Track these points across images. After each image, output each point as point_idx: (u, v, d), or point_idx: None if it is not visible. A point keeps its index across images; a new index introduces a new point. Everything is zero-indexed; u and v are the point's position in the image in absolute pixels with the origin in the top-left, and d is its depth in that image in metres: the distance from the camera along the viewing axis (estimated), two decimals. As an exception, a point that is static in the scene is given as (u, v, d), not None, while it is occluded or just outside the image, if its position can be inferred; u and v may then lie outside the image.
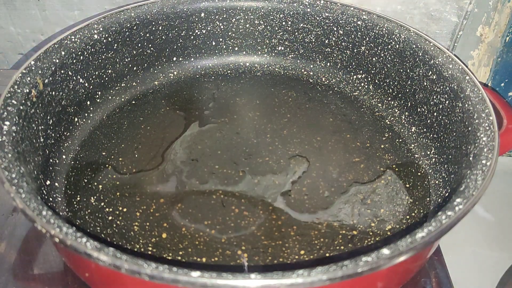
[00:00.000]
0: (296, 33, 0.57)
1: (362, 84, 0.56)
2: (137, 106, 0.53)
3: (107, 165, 0.45)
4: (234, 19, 0.57)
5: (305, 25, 0.56)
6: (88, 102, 0.50)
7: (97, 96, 0.51)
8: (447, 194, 0.41)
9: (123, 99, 0.54)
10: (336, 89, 0.57)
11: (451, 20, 0.61)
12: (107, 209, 0.41)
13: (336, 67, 0.58)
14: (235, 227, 0.40)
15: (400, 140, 0.50)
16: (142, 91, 0.55)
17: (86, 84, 0.49)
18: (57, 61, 0.43)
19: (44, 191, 0.40)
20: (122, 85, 0.54)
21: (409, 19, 0.61)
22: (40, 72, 0.41)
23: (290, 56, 0.59)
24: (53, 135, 0.44)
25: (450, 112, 0.44)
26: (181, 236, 0.39)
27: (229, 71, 0.59)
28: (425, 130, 0.49)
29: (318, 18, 0.55)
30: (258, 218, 0.40)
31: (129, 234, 0.39)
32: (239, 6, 0.56)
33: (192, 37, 0.57)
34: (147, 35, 0.53)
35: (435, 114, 0.47)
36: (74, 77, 0.46)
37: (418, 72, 0.49)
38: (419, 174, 0.46)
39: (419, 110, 0.50)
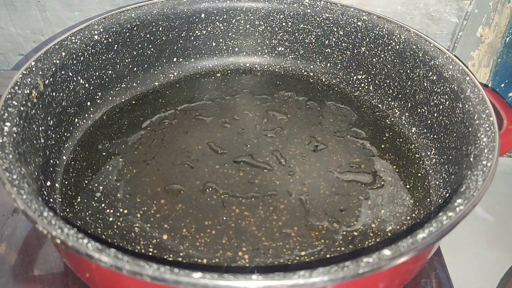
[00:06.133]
0: (296, 33, 0.57)
1: (363, 85, 0.56)
2: (137, 106, 0.53)
3: (107, 166, 0.45)
4: (234, 20, 0.57)
5: (305, 26, 0.56)
6: (89, 103, 0.50)
7: (97, 96, 0.51)
8: (447, 194, 0.41)
9: (123, 100, 0.54)
10: (336, 89, 0.57)
11: (451, 21, 0.61)
12: (107, 210, 0.41)
13: (337, 67, 0.58)
14: (235, 227, 0.40)
15: (401, 140, 0.50)
16: (142, 92, 0.55)
17: (87, 85, 0.49)
18: (58, 62, 0.43)
19: (45, 192, 0.40)
20: (122, 85, 0.54)
21: (409, 19, 0.61)
22: (40, 73, 0.41)
23: (290, 56, 0.59)
24: (53, 136, 0.44)
25: (451, 113, 0.44)
26: (182, 237, 0.39)
27: (229, 72, 0.59)
28: (425, 130, 0.49)
29: (318, 19, 0.55)
30: (259, 219, 0.41)
31: (130, 235, 0.39)
32: (239, 7, 0.56)
33: (192, 38, 0.57)
34: (148, 36, 0.53)
35: (435, 114, 0.47)
36: (75, 78, 0.46)
37: (418, 73, 0.49)
38: (419, 174, 0.46)
39: (419, 110, 0.50)
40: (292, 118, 0.52)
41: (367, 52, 0.54)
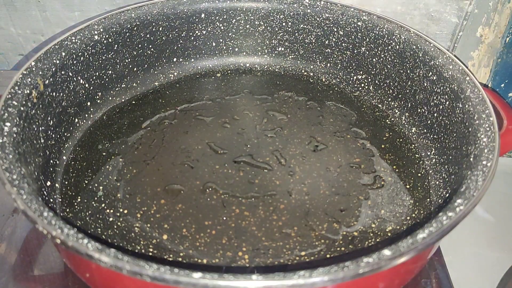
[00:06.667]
0: (296, 34, 0.57)
1: (363, 85, 0.56)
2: (137, 106, 0.53)
3: (107, 166, 0.45)
4: (234, 20, 0.57)
5: (305, 26, 0.56)
6: (89, 103, 0.50)
7: (97, 97, 0.51)
8: (447, 194, 0.41)
9: (123, 100, 0.54)
10: (336, 89, 0.57)
11: (451, 21, 0.61)
12: (107, 210, 0.41)
13: (337, 67, 0.58)
14: (235, 227, 0.40)
15: (401, 140, 0.50)
16: (142, 92, 0.55)
17: (87, 85, 0.49)
18: (58, 62, 0.43)
19: (45, 192, 0.40)
20: (122, 86, 0.54)
21: (409, 20, 0.61)
22: (40, 73, 0.41)
23: (290, 56, 0.59)
24: (53, 136, 0.44)
25: (451, 113, 0.44)
26: (182, 237, 0.39)
27: (229, 72, 0.59)
28: (425, 130, 0.49)
29: (318, 19, 0.55)
30: (259, 219, 0.41)
31: (130, 235, 0.39)
32: (239, 7, 0.56)
33: (192, 38, 0.57)
34: (148, 36, 0.53)
35: (435, 114, 0.47)
36: (75, 78, 0.46)
37: (418, 73, 0.49)
38: (419, 174, 0.46)
39: (419, 110, 0.50)
40: (292, 118, 0.52)
41: (367, 52, 0.54)
